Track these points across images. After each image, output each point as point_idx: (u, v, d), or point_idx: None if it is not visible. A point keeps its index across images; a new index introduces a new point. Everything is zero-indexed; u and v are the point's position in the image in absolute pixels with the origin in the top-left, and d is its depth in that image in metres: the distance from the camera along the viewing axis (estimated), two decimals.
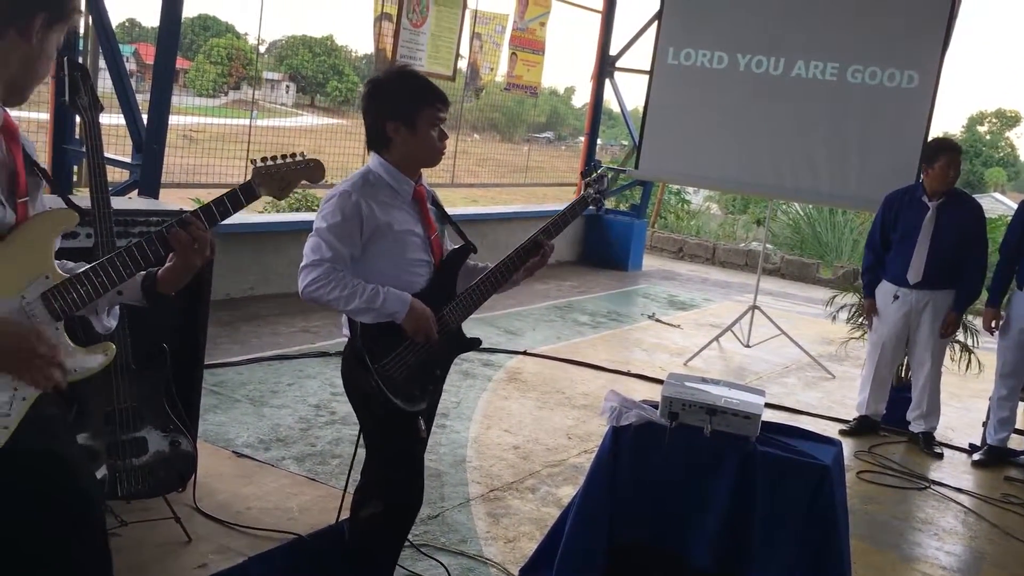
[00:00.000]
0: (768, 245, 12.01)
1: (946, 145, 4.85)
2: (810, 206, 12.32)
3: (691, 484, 2.94)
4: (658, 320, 7.51)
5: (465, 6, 7.81)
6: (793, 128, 6.54)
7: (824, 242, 12.79)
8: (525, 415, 4.81)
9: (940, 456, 4.84)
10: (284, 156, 1.85)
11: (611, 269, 9.67)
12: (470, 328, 2.63)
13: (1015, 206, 5.03)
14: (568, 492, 3.67)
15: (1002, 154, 34.61)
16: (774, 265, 11.13)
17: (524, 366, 5.71)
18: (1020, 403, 4.86)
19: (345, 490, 2.78)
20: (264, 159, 1.83)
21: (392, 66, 5.53)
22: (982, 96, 66.93)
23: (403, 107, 2.43)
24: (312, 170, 1.88)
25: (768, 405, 5.30)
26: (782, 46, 6.46)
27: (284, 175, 1.84)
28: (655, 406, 3.01)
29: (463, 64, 8.35)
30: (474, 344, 2.66)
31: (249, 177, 1.82)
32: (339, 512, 2.83)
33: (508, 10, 8.62)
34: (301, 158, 1.86)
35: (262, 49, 19.78)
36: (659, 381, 4.14)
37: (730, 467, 2.89)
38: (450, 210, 2.68)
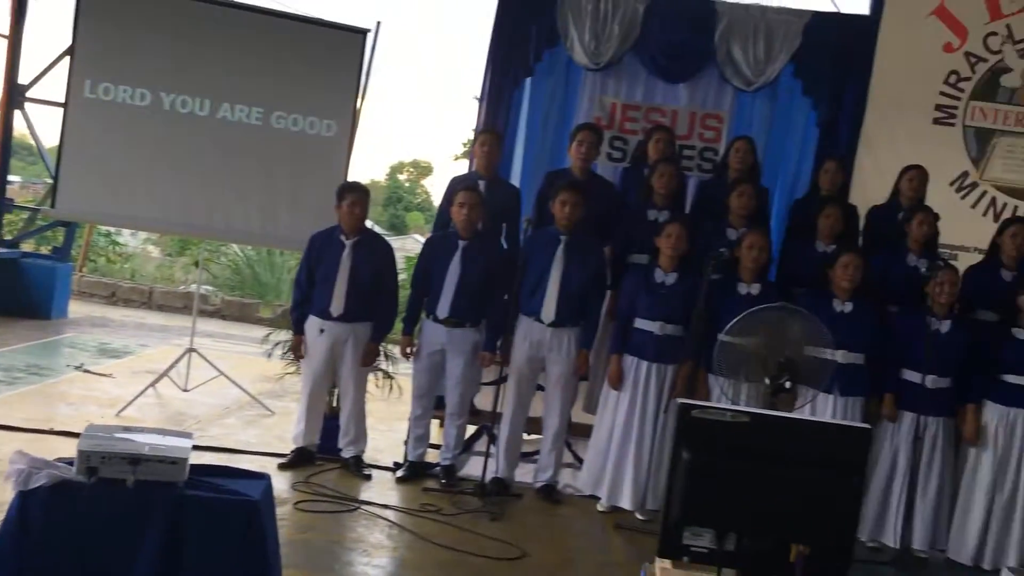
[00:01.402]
0: (208, 287, 11.89)
1: (351, 186, 5.31)
2: (249, 247, 12.48)
3: (118, 540, 2.77)
4: (87, 371, 6.97)
5: None
6: (223, 170, 6.56)
7: (264, 282, 13.03)
8: None
9: (369, 477, 5.21)
10: None
11: (30, 318, 8.72)
12: None
13: None
14: None
15: (420, 200, 38.73)
16: (215, 307, 11.06)
17: None
18: (433, 420, 5.45)
19: None
20: None
21: None
22: (402, 148, 74.57)
23: None
24: None
25: (205, 448, 5.25)
26: (207, 88, 6.47)
27: None
28: (72, 463, 2.78)
29: None
30: None
31: None
32: None
33: None
34: None
35: None
36: None
37: (158, 516, 2.78)
38: None
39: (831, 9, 6.53)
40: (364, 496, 4.89)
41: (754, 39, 6.29)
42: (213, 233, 7.05)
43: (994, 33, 6.23)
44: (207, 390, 6.62)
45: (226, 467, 3.24)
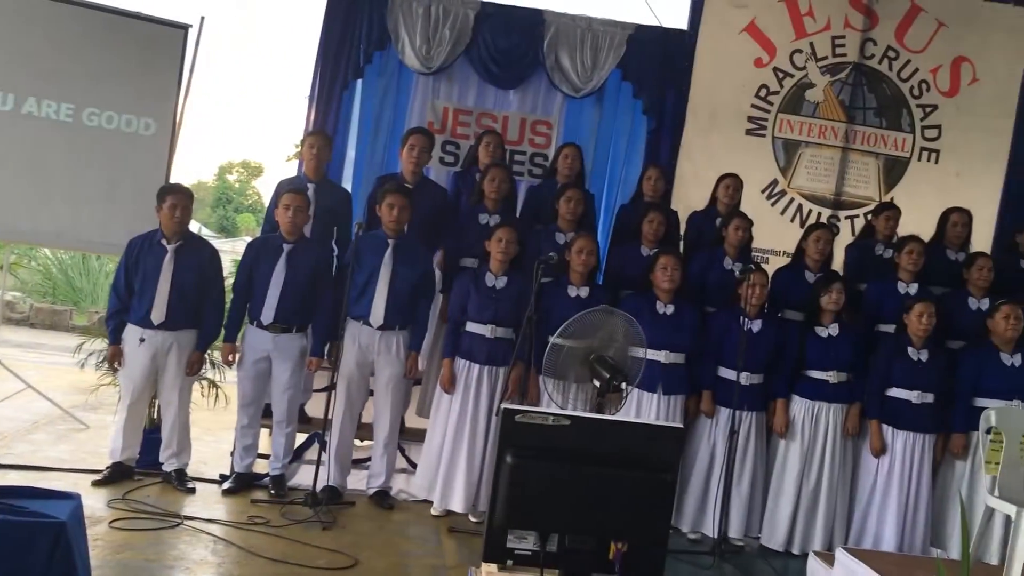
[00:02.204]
0: (15, 293, 11.11)
1: (172, 188, 5.09)
2: (62, 251, 11.75)
3: None
4: None
5: None
6: (30, 169, 6.12)
7: (78, 288, 12.32)
8: None
9: (192, 491, 5.01)
10: None
11: None
12: None
13: None
14: None
15: (251, 201, 37.59)
16: (23, 314, 10.35)
17: None
18: (262, 430, 5.30)
19: None
20: None
21: None
22: (231, 148, 71.93)
23: None
24: None
25: (9, 467, 4.91)
26: (10, 81, 6.03)
27: None
28: None
29: None
30: None
31: None
32: None
33: None
34: None
35: None
36: None
37: None
38: None
39: (654, 22, 6.77)
40: (187, 511, 4.69)
41: (581, 48, 6.48)
42: (20, 236, 6.59)
43: (799, 50, 6.68)
44: (14, 404, 6.19)
45: (31, 488, 3.03)
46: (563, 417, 2.19)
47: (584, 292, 5.07)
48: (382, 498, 5.15)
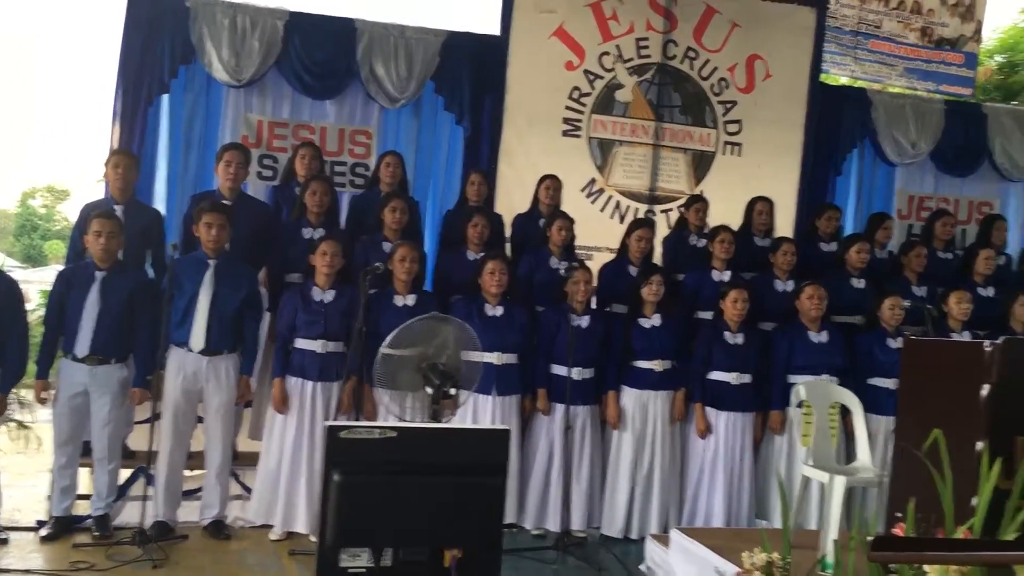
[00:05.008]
0: None
1: None
2: None
3: None
4: None
5: None
6: None
7: None
8: None
9: (5, 541, 4.65)
10: None
11: None
12: None
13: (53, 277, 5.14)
14: None
15: (59, 227, 35.39)
16: None
17: None
18: (82, 469, 4.99)
19: None
20: None
21: None
22: (35, 172, 67.43)
23: None
24: None
25: None
26: None
27: None
28: None
29: None
30: None
31: None
32: None
33: None
34: None
35: None
36: None
37: None
38: None
39: (466, 29, 6.83)
40: (1, 564, 4.36)
41: (395, 57, 6.45)
42: None
43: (607, 53, 6.91)
44: None
45: None
46: (389, 429, 2.17)
47: (411, 300, 5.06)
48: (217, 528, 4.95)
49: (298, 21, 6.37)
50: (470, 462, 2.18)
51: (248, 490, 5.28)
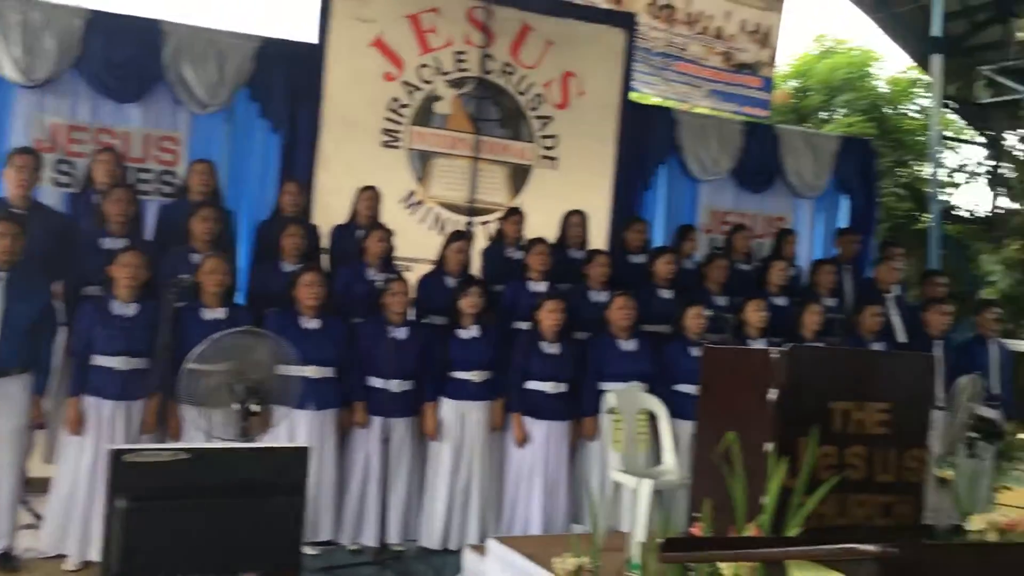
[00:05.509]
0: None
1: None
2: None
3: None
4: None
5: None
6: None
7: None
8: None
9: None
10: None
11: None
12: None
13: None
14: None
15: None
16: None
17: None
18: None
19: None
20: None
21: None
22: None
23: None
24: None
25: None
26: None
27: None
28: None
29: None
30: None
31: None
32: None
33: None
34: None
35: None
36: None
37: None
38: None
39: (283, 35, 6.67)
40: None
41: (205, 61, 6.22)
42: None
43: (426, 65, 6.93)
44: None
45: None
46: (180, 451, 2.08)
47: (221, 314, 4.87)
48: (5, 560, 4.59)
49: (99, 20, 6.03)
50: (267, 482, 2.11)
51: (39, 518, 4.92)
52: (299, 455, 2.22)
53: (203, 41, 6.25)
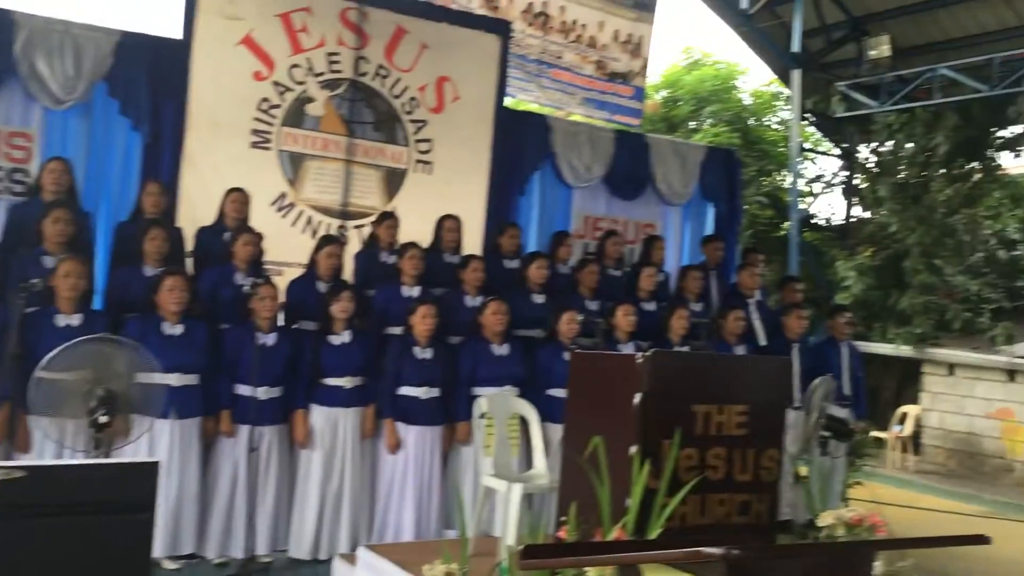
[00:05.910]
0: None
1: None
2: None
3: None
4: None
5: None
6: None
7: None
8: None
9: None
10: None
11: None
12: None
13: None
14: None
15: None
16: None
17: None
18: None
19: None
20: None
21: None
22: None
23: None
24: None
25: None
26: None
27: None
28: None
29: None
30: None
31: None
32: None
33: None
34: None
35: None
36: None
37: None
38: None
39: (144, 30, 6.40)
40: None
41: (61, 55, 5.91)
42: None
43: (298, 65, 6.79)
44: None
45: None
46: (16, 469, 1.96)
47: (76, 320, 4.65)
48: None
49: None
50: (114, 499, 2.02)
51: None
52: (147, 470, 2.13)
53: (58, 33, 5.94)
